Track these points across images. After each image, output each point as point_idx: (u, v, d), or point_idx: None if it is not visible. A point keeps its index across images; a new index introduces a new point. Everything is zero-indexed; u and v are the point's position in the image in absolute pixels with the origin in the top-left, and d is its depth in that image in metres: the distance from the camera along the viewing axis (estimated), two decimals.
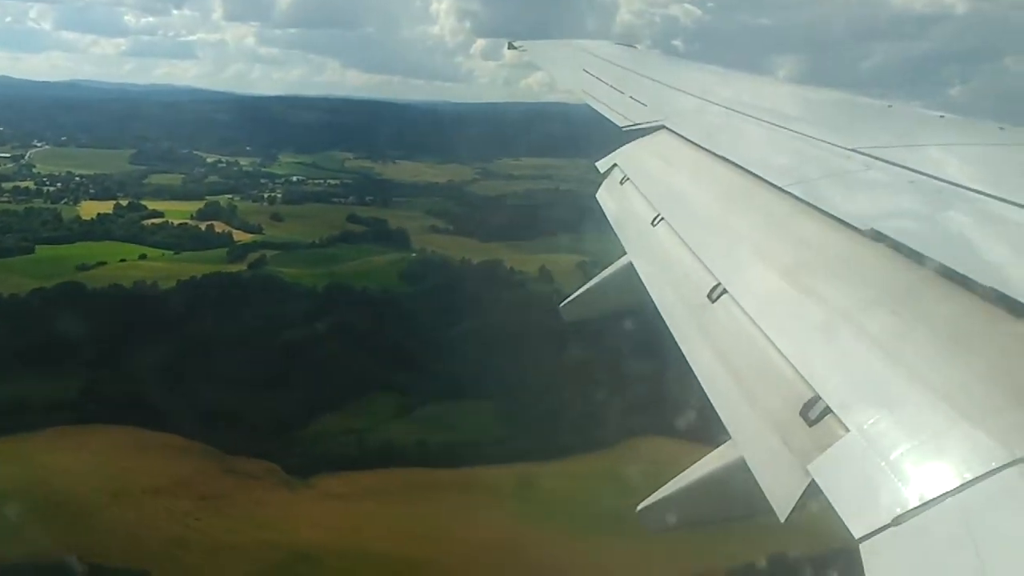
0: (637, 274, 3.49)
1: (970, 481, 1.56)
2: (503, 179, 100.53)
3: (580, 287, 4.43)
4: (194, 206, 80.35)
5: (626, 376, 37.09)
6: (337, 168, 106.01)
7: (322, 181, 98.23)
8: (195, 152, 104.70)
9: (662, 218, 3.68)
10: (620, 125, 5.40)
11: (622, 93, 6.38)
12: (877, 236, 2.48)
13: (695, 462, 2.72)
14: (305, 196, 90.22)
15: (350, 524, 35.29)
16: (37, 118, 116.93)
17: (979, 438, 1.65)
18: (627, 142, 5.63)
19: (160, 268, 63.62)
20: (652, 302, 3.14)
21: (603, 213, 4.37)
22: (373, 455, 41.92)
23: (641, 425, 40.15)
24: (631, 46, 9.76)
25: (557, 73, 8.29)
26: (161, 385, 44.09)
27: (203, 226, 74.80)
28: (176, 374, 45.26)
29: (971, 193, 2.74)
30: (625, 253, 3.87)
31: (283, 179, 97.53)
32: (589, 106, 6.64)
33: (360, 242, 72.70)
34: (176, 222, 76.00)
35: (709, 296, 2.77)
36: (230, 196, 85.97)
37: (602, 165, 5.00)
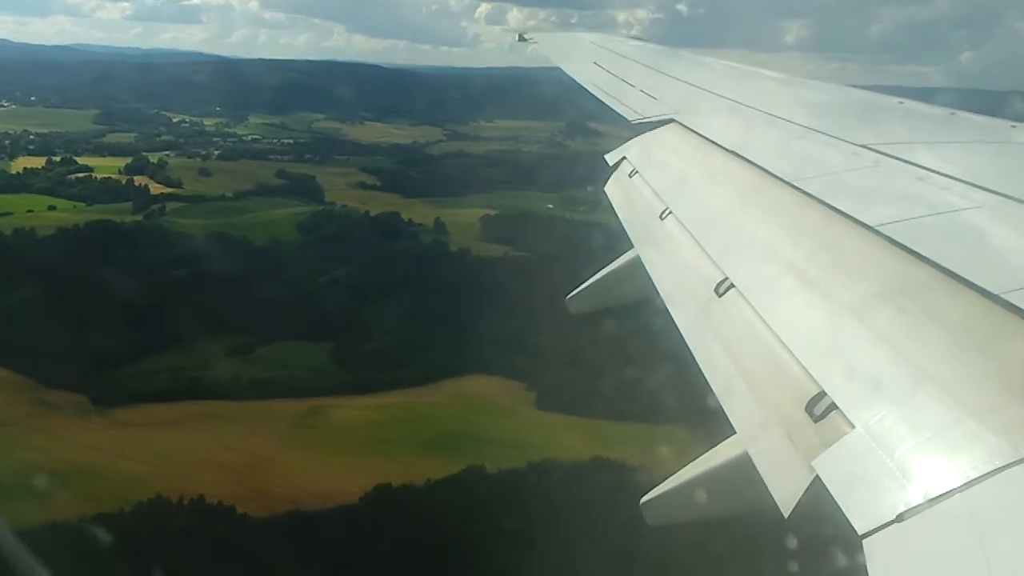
0: (644, 267, 3.66)
1: (975, 479, 1.66)
2: (469, 140, 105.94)
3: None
4: (126, 161, 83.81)
5: (468, 319, 44.21)
6: (303, 129, 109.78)
7: (275, 140, 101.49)
8: (163, 112, 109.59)
9: (670, 211, 3.87)
10: (630, 119, 5.64)
11: (632, 86, 6.68)
12: (885, 233, 2.65)
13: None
14: (243, 153, 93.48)
15: (116, 448, 38.01)
16: (16, 79, 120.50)
17: (985, 436, 1.76)
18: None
19: (58, 218, 65.75)
20: (659, 295, 3.30)
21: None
22: (184, 389, 44.77)
23: (470, 365, 45.46)
24: (642, 40, 10.13)
25: (567, 66, 8.50)
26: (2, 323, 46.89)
27: (125, 180, 78.07)
28: (23, 313, 47.98)
29: (980, 191, 2.92)
30: (633, 246, 4.04)
31: (237, 138, 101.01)
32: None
33: (273, 196, 77.20)
34: (100, 176, 79.41)
35: (716, 290, 2.95)
36: (167, 153, 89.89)
37: (611, 158, 5.20)
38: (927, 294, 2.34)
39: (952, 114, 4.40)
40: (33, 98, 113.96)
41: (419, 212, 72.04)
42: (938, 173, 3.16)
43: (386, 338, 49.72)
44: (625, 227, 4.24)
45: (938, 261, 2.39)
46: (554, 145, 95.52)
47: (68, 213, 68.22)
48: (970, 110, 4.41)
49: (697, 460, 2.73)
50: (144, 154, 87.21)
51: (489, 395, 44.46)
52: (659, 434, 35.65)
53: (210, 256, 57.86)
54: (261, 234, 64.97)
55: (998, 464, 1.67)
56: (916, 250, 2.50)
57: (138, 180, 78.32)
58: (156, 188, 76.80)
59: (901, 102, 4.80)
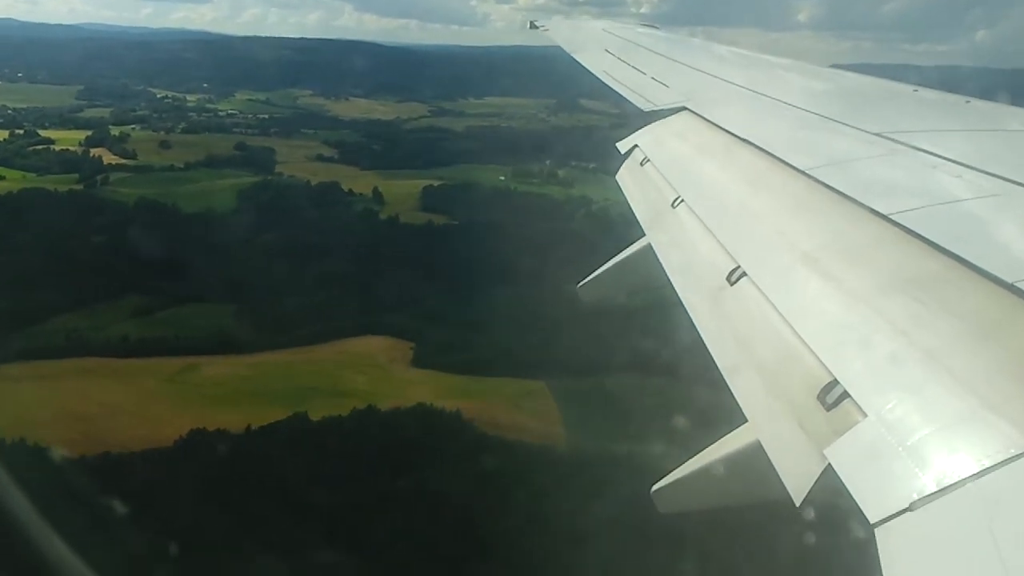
0: (656, 256, 3.80)
1: (988, 468, 1.73)
2: (453, 116, 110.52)
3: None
4: (86, 134, 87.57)
5: (375, 283, 50.35)
6: (287, 104, 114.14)
7: (251, 115, 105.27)
8: (148, 89, 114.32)
9: (682, 200, 4.01)
10: (642, 107, 5.81)
11: (644, 74, 6.86)
12: (898, 221, 2.76)
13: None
14: (209, 127, 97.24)
15: None
16: (10, 57, 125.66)
17: (998, 425, 1.83)
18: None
19: (1, 187, 68.45)
20: (671, 284, 3.42)
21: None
22: (77, 347, 46.96)
23: (368, 326, 49.49)
24: (653, 27, 10.43)
25: (578, 54, 8.69)
26: None
27: (82, 152, 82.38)
28: None
29: (994, 179, 3.03)
30: (644, 234, 4.18)
31: (212, 112, 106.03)
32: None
33: (224, 167, 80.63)
34: (59, 148, 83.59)
35: (728, 279, 3.06)
36: (133, 126, 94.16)
37: (623, 146, 5.35)
38: (940, 283, 2.43)
39: (967, 101, 4.54)
40: (20, 74, 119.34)
41: (365, 183, 75.39)
42: (953, 161, 3.27)
43: (291, 301, 52.34)
44: (637, 215, 4.37)
45: (952, 250, 2.48)
46: (537, 121, 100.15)
47: (14, 183, 70.17)
48: (985, 89, 4.56)
49: (708, 448, 2.84)
50: (110, 127, 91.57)
51: (372, 354, 47.31)
52: (513, 387, 41.58)
53: (135, 223, 60.84)
54: (196, 202, 67.56)
55: (1012, 453, 1.74)
56: (930, 239, 2.59)
57: (95, 152, 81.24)
58: (111, 159, 79.62)
59: (916, 89, 4.94)
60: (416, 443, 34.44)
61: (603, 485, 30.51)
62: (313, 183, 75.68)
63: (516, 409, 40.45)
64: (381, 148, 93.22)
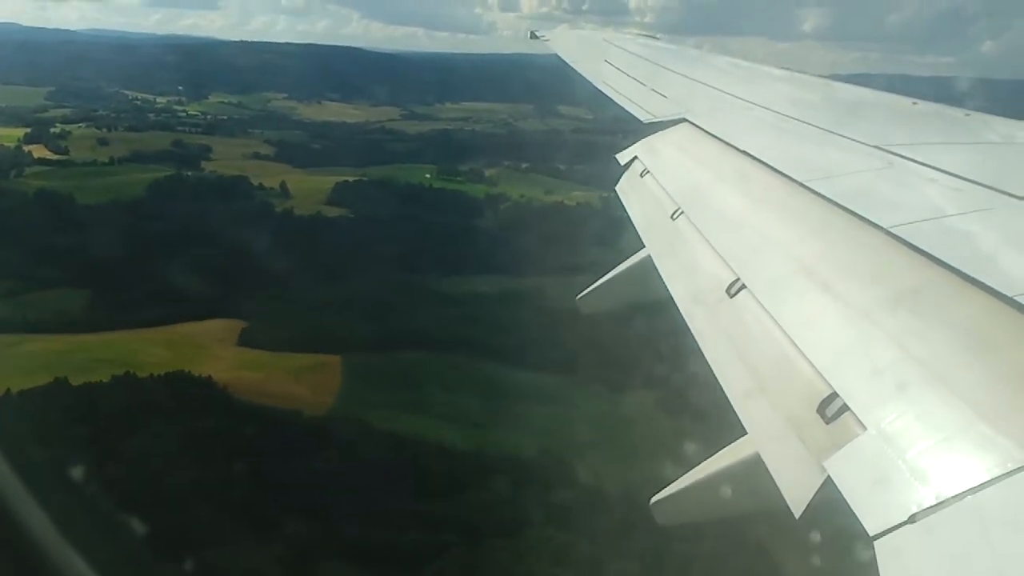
0: (655, 268, 3.97)
1: (987, 481, 1.82)
2: (421, 120, 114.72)
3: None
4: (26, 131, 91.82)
5: (240, 268, 54.77)
6: (258, 107, 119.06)
7: (210, 115, 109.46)
8: (122, 91, 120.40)
9: (682, 212, 4.20)
10: (642, 119, 6.04)
11: (643, 85, 7.13)
12: (897, 234, 2.91)
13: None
14: (151, 125, 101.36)
15: None
16: None
17: (996, 439, 1.92)
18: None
19: None
20: (670, 296, 3.58)
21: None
22: None
23: (218, 309, 53.19)
24: (653, 37, 10.75)
25: (578, 64, 9.01)
26: None
27: (15, 147, 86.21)
28: None
29: (993, 193, 3.19)
30: (644, 246, 4.38)
31: (171, 112, 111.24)
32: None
33: (149, 162, 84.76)
34: None
35: (728, 291, 3.21)
36: (79, 124, 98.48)
37: (623, 157, 5.57)
38: (939, 296, 2.57)
39: (967, 115, 4.77)
40: None
41: (280, 178, 79.17)
42: (951, 175, 3.45)
43: (152, 286, 55.27)
44: (636, 227, 4.56)
45: (950, 263, 2.62)
46: (501, 125, 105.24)
47: None
48: (990, 100, 4.80)
49: (708, 460, 2.98)
50: (56, 125, 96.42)
51: (203, 334, 50.73)
52: (311, 362, 45.44)
53: (25, 212, 64.23)
54: (98, 195, 70.80)
55: (1010, 467, 1.83)
56: (928, 252, 2.74)
57: (30, 147, 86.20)
58: (43, 154, 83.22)
59: (915, 103, 5.17)
60: (147, 405, 37.81)
61: (325, 447, 34.59)
62: (227, 177, 79.19)
63: (293, 380, 43.76)
64: (322, 147, 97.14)
